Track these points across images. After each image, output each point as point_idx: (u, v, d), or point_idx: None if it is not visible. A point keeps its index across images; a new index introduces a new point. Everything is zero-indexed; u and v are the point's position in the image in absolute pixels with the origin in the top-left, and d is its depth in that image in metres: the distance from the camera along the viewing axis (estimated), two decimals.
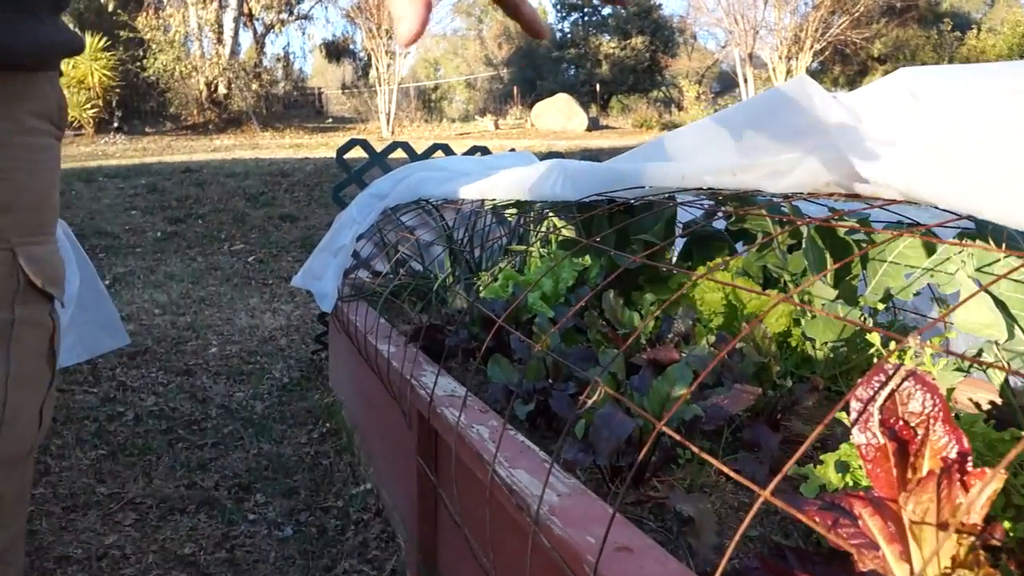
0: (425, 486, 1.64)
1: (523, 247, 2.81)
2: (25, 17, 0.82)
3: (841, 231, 1.74)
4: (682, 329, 1.62)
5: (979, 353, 1.43)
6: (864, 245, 1.79)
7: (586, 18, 33.11)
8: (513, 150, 3.51)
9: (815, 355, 1.82)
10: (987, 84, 0.94)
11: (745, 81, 24.15)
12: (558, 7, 33.32)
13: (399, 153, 3.61)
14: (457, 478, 1.37)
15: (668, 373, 1.21)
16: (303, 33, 36.63)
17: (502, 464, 1.13)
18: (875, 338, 1.47)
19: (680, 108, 27.99)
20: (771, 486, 0.62)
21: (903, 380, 0.78)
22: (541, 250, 2.75)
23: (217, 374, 3.54)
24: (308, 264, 2.99)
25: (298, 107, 25.85)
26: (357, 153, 3.69)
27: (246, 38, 22.76)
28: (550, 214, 2.71)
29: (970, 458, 0.76)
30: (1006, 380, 1.41)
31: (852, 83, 28.82)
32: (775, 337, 1.86)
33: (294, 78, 26.64)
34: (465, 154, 3.45)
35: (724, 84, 34.93)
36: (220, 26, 20.53)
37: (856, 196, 1.20)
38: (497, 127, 23.78)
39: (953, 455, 0.76)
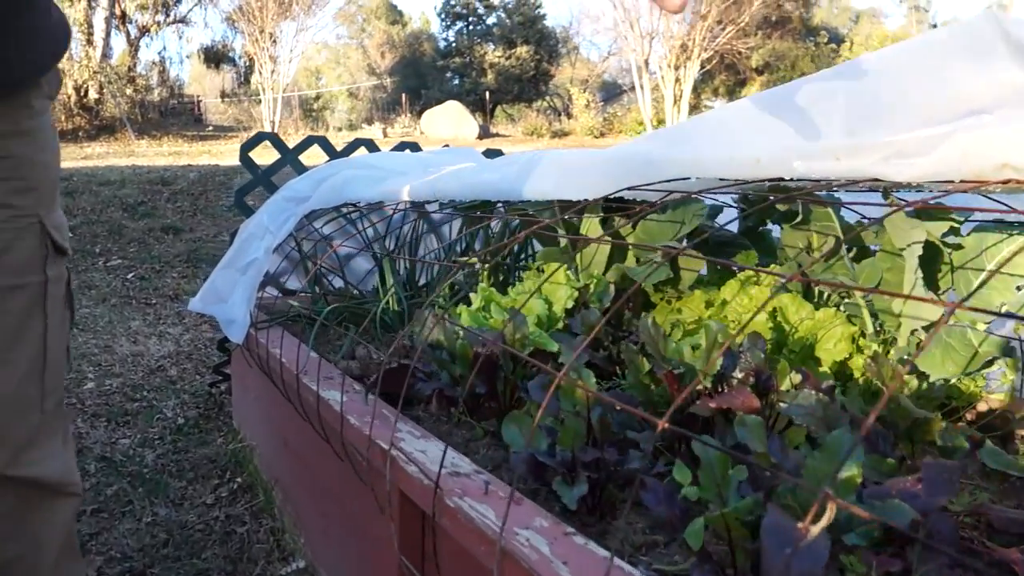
0: None
1: (474, 261, 2.37)
2: (45, 15, 0.96)
3: (934, 233, 1.36)
4: (752, 364, 1.21)
5: None
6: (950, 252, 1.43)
7: (471, 27, 32.92)
8: (447, 146, 3.06)
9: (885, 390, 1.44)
10: None
11: (642, 88, 24.18)
12: (442, 16, 33.02)
13: (311, 157, 3.11)
14: None
15: (829, 444, 0.80)
16: (180, 37, 35.14)
17: None
18: None
19: (569, 116, 28.00)
20: None
21: None
22: (484, 264, 2.33)
23: (95, 416, 2.96)
24: (209, 284, 2.46)
25: (175, 115, 24.58)
26: (262, 154, 3.14)
27: (119, 41, 21.54)
28: (511, 218, 2.29)
29: None
30: None
31: (731, 93, 29.53)
32: (832, 367, 1.48)
33: (170, 84, 25.34)
34: (393, 151, 2.99)
35: (607, 93, 35.27)
36: (90, 26, 19.28)
37: None
38: (386, 135, 23.20)
39: None
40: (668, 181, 1.29)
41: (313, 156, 3.10)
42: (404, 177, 2.28)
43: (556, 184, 1.54)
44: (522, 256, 2.41)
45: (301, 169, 2.81)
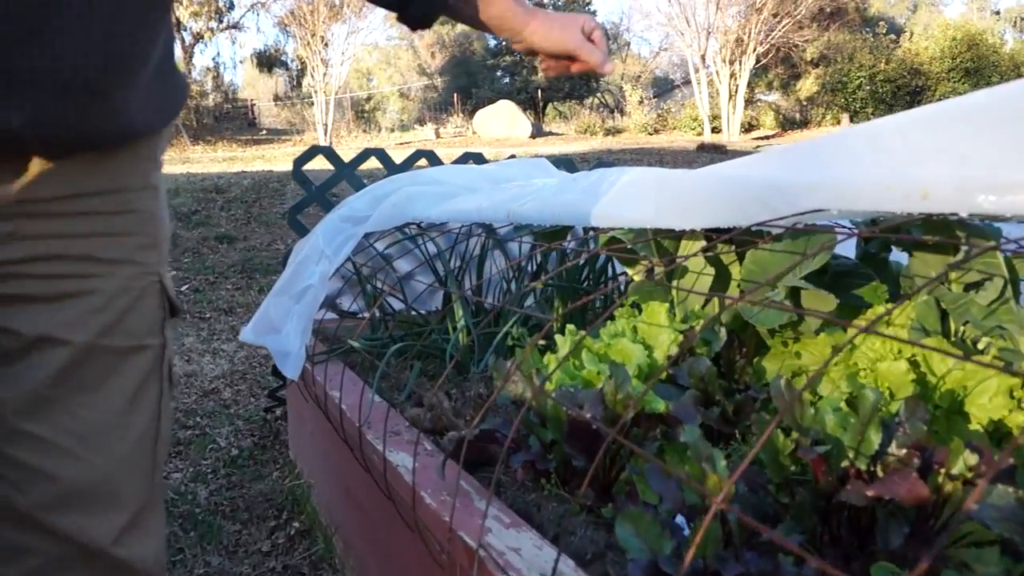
0: None
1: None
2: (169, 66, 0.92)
3: None
4: (909, 436, 0.99)
5: None
6: None
7: None
8: (513, 156, 2.86)
9: None
10: None
11: (699, 84, 23.71)
12: None
13: (367, 166, 2.93)
14: None
15: None
16: (233, 43, 35.54)
17: None
18: None
19: (622, 113, 27.65)
20: None
21: None
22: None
23: None
24: (262, 312, 2.29)
25: (230, 119, 24.81)
26: (316, 163, 2.97)
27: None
28: (586, 244, 2.09)
29: None
30: None
31: (785, 86, 28.86)
32: (987, 425, 1.25)
33: (224, 89, 25.58)
34: (456, 162, 2.79)
35: (659, 89, 34.83)
36: None
37: None
38: (438, 136, 23.11)
39: None
40: (803, 214, 1.07)
41: (370, 165, 2.93)
42: (473, 194, 2.09)
43: (657, 209, 1.33)
44: (601, 280, 2.20)
45: (358, 184, 2.63)
